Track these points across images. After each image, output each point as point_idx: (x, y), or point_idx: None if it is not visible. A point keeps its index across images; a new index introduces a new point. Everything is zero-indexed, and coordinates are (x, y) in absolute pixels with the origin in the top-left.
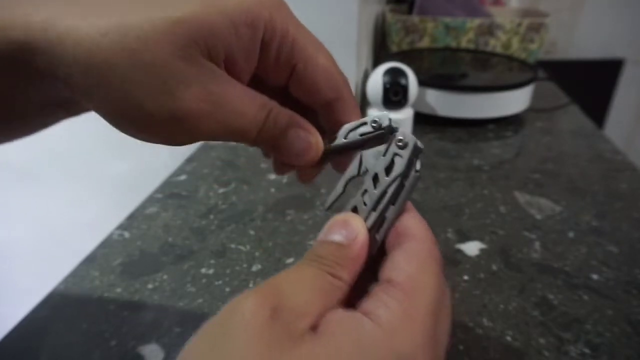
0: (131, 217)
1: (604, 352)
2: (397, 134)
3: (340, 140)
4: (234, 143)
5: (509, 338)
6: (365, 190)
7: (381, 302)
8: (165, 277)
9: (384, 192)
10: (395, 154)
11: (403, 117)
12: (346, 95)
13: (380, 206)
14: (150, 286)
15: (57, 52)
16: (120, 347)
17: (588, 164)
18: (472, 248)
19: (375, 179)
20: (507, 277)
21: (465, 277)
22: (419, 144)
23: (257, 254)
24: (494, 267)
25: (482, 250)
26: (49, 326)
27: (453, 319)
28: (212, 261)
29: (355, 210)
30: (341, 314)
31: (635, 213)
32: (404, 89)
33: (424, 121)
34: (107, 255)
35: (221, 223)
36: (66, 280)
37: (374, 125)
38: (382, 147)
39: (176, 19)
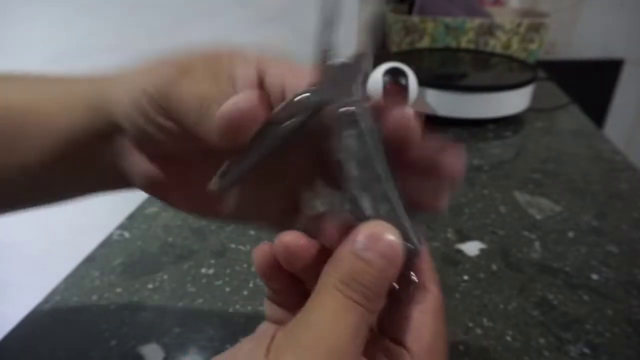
0: (131, 217)
1: (604, 352)
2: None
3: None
4: None
5: (509, 338)
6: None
7: None
8: (165, 277)
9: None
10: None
11: None
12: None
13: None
14: (150, 286)
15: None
16: (120, 347)
17: (588, 164)
18: (472, 248)
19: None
20: (507, 277)
21: (465, 277)
22: (352, 110)
23: None
24: (494, 267)
25: (482, 250)
26: (49, 326)
27: (453, 319)
28: (212, 261)
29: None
30: None
31: (635, 213)
32: (404, 89)
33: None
34: (107, 255)
35: (221, 223)
36: (66, 280)
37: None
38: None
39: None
